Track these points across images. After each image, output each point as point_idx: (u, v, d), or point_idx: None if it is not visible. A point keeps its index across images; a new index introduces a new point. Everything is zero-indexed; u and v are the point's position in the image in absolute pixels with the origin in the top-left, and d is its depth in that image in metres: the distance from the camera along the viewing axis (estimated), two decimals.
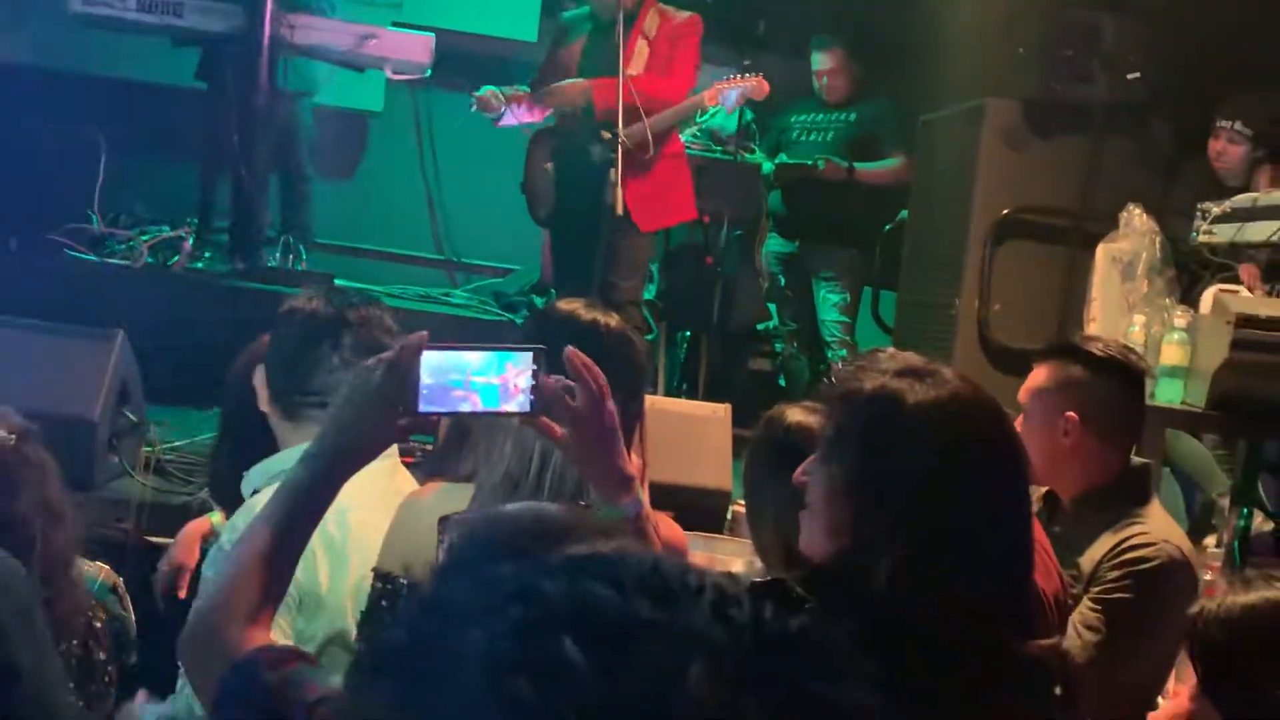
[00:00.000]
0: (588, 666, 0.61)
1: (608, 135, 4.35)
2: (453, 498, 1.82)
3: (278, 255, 5.61)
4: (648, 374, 1.96)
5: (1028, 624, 1.48)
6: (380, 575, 1.87)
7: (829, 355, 5.96)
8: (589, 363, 1.55)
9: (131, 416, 3.73)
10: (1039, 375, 2.65)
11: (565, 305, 1.93)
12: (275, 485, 1.60)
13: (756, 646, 0.64)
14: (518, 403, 1.54)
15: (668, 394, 5.84)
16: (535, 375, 1.53)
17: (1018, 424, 2.61)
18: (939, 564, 1.43)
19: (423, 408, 1.51)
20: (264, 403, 2.28)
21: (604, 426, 1.55)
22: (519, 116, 4.91)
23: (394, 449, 2.15)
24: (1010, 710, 1.43)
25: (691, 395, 5.65)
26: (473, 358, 1.53)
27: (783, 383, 6.24)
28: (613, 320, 1.90)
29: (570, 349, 1.56)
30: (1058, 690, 1.47)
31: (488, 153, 5.82)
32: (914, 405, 1.48)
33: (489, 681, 0.62)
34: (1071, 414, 2.56)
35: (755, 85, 4.79)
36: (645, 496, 2.03)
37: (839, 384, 1.61)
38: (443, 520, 1.48)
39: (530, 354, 1.53)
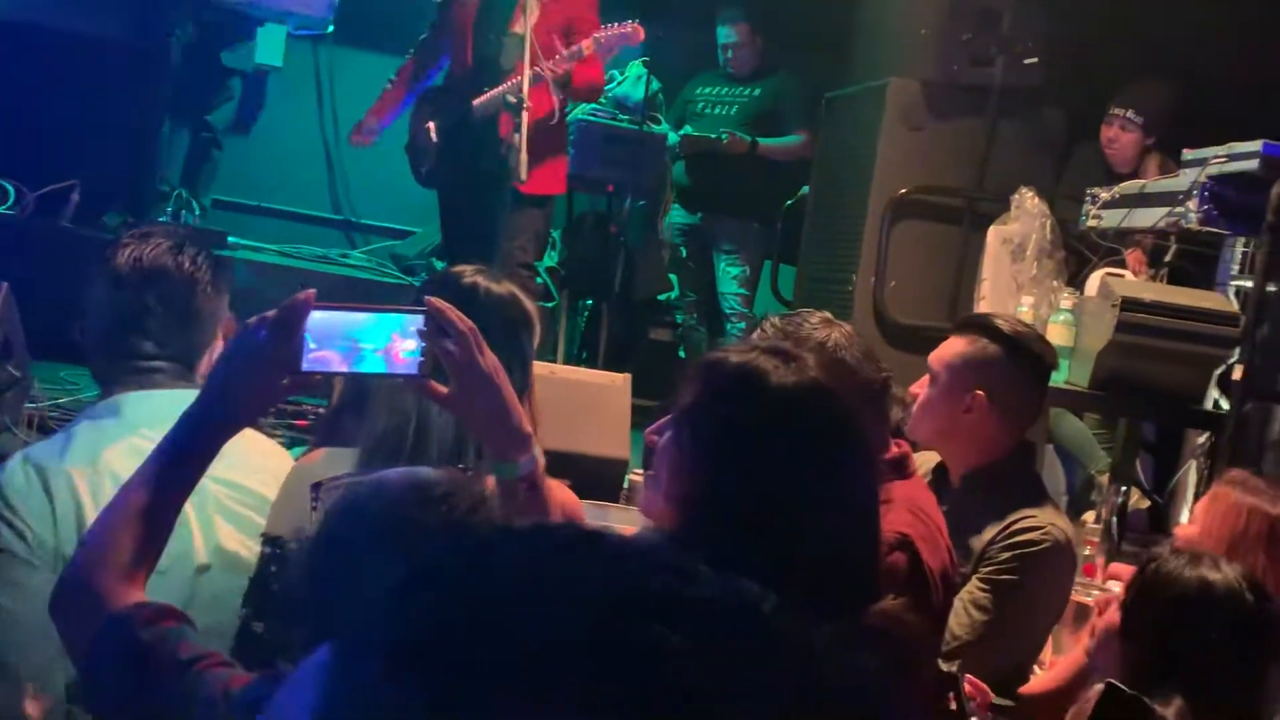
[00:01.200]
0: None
1: (514, 99, 4.31)
2: (340, 463, 1.81)
3: (169, 211, 5.49)
4: (532, 341, 1.95)
5: (870, 597, 1.49)
6: (269, 540, 1.85)
7: (728, 327, 6.02)
8: (451, 308, 1.53)
9: (14, 371, 3.63)
10: (954, 346, 2.67)
11: (454, 270, 1.93)
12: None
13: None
14: (404, 365, 1.52)
15: (568, 362, 5.85)
16: (423, 337, 1.52)
17: (921, 386, 2.65)
18: (778, 540, 1.43)
19: (306, 367, 1.49)
20: None
21: (483, 375, 1.53)
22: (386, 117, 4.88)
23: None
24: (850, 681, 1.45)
25: (592, 364, 5.66)
26: (360, 319, 1.51)
27: (683, 353, 6.29)
28: (500, 286, 1.90)
29: (431, 297, 1.54)
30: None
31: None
32: (775, 386, 1.49)
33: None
34: (980, 392, 2.60)
35: (631, 31, 4.76)
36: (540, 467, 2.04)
37: (708, 354, 1.62)
38: (315, 486, 1.47)
39: (419, 317, 1.52)
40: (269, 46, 6.60)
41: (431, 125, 4.76)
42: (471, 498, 1.35)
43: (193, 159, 5.98)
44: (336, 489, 1.45)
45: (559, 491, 1.98)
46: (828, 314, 2.22)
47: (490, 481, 1.59)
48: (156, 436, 1.56)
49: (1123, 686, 1.97)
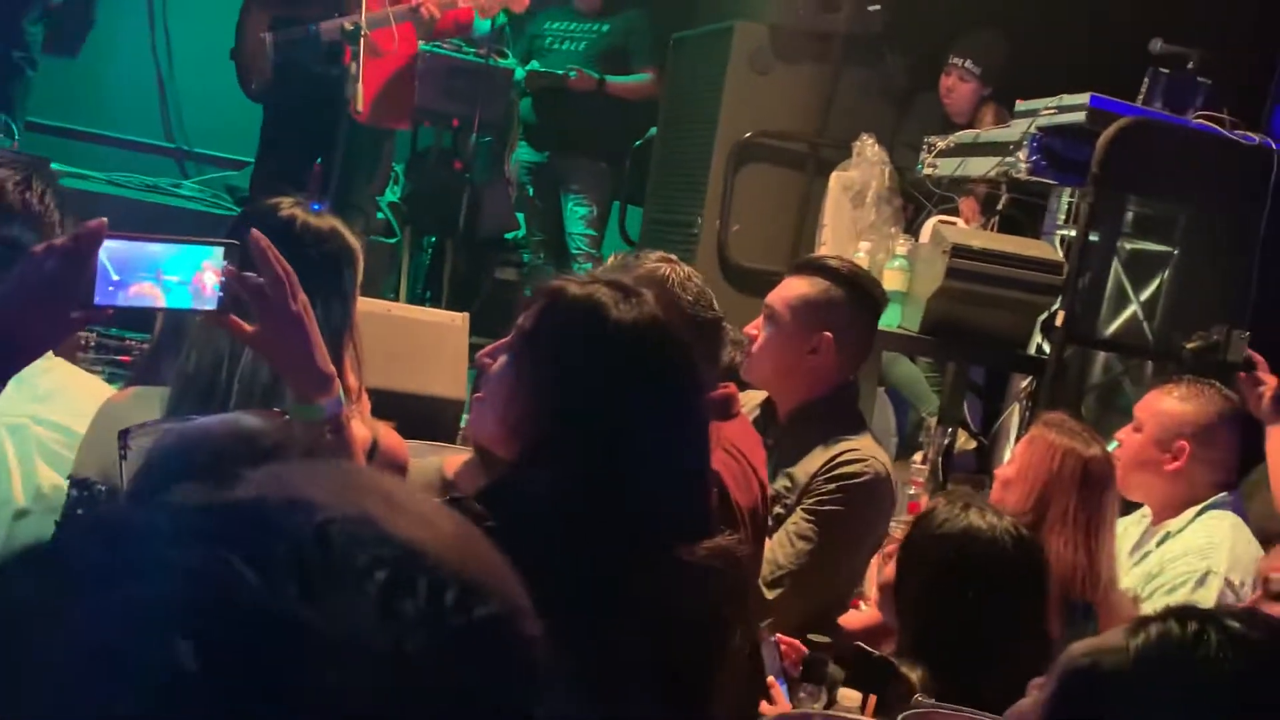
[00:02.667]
0: (203, 680, 0.47)
1: (350, 26, 4.18)
2: (149, 403, 1.74)
3: None
4: (354, 277, 1.90)
5: (701, 534, 1.54)
6: (76, 482, 1.78)
7: (575, 268, 5.99)
8: (270, 246, 1.49)
9: None
10: (796, 287, 2.70)
11: (272, 201, 1.86)
12: None
13: (425, 655, 0.51)
14: (206, 300, 1.47)
15: (411, 300, 5.75)
16: (226, 271, 1.47)
17: (756, 327, 2.68)
18: (613, 474, 1.47)
19: (99, 300, 1.42)
20: None
21: (291, 316, 1.49)
22: None
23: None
24: (679, 617, 1.48)
25: (435, 303, 5.58)
26: (160, 250, 1.45)
27: (528, 293, 6.23)
28: (320, 220, 1.84)
29: (255, 231, 1.49)
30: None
31: (226, 35, 5.51)
32: (614, 320, 1.52)
33: (83, 680, 0.49)
34: (828, 333, 2.65)
35: None
36: (365, 408, 2.00)
37: (550, 282, 1.63)
38: (123, 433, 1.40)
39: (222, 249, 1.47)
40: None
41: (268, 37, 4.59)
42: (301, 447, 1.31)
43: (3, 79, 5.65)
44: (146, 436, 1.38)
45: (385, 437, 1.95)
46: (667, 254, 2.25)
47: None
48: None
49: (870, 650, 2.05)
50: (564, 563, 1.33)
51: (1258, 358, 3.21)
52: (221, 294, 1.47)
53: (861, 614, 2.67)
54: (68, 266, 1.40)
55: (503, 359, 1.61)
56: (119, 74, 6.57)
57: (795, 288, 2.70)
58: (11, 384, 1.87)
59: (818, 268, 2.76)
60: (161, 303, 1.46)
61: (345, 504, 0.54)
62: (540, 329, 1.56)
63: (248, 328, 1.50)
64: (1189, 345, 3.76)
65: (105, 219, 1.41)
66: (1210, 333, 3.68)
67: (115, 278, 1.42)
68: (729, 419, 2.22)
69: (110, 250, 1.42)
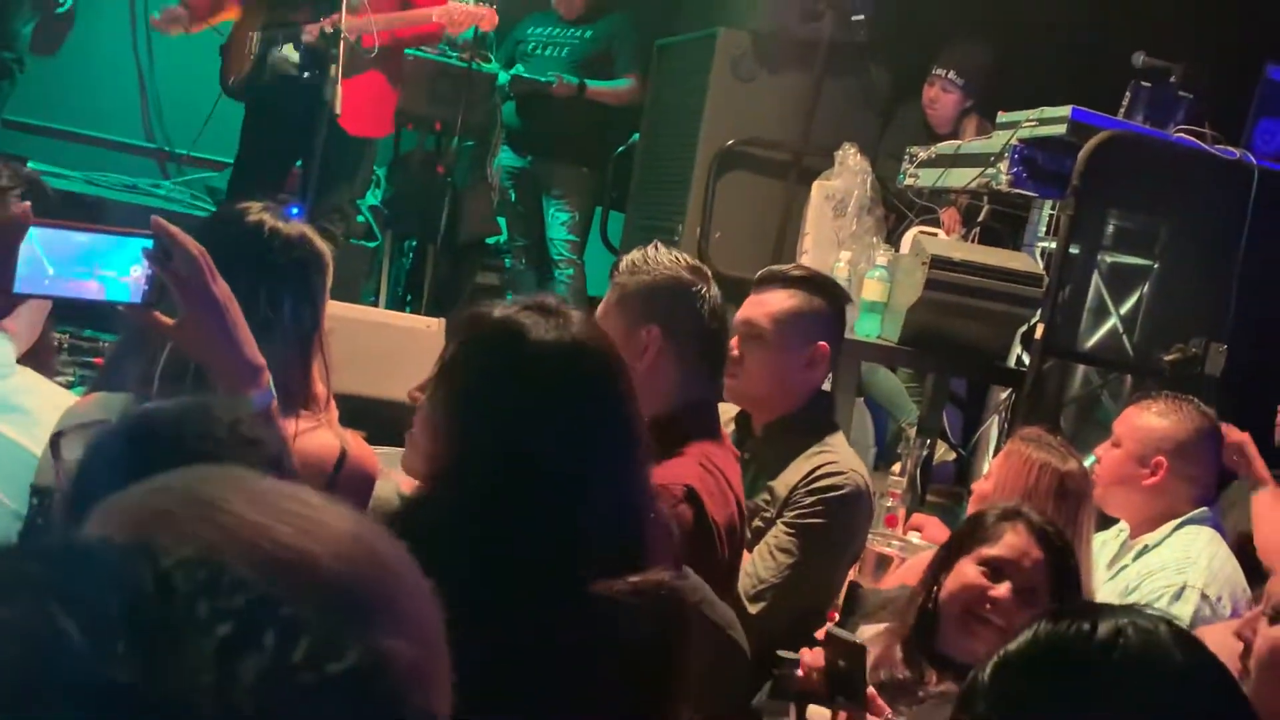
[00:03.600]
0: None
1: (330, 29, 4.16)
2: (112, 409, 1.71)
3: None
4: (324, 281, 1.87)
5: (629, 567, 1.46)
6: (35, 491, 1.75)
7: (556, 273, 5.98)
8: (178, 231, 1.44)
9: None
10: (778, 301, 2.66)
11: (240, 205, 1.83)
12: None
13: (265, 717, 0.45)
14: (129, 291, 1.44)
15: (391, 305, 5.73)
16: (149, 262, 1.43)
17: (734, 346, 2.65)
18: (529, 499, 1.41)
19: (18, 288, 1.40)
20: None
21: (209, 300, 1.44)
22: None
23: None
24: (583, 656, 1.41)
25: (416, 307, 5.55)
26: (88, 240, 1.41)
27: (510, 298, 6.20)
28: (288, 225, 1.81)
29: (155, 217, 1.45)
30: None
31: (208, 35, 5.48)
32: (533, 340, 1.47)
33: None
34: (823, 344, 2.64)
35: (487, 15, 4.71)
36: (333, 416, 1.97)
37: (470, 309, 1.59)
38: (56, 436, 1.37)
39: (149, 241, 1.43)
40: None
41: (255, 35, 4.57)
42: (276, 441, 1.29)
43: None
44: (80, 435, 1.35)
45: (355, 446, 1.92)
46: (690, 260, 2.30)
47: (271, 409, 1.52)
48: None
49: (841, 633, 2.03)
50: (457, 593, 1.30)
51: (1231, 433, 3.12)
52: (146, 287, 1.43)
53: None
54: None
55: (427, 391, 1.56)
56: (99, 73, 6.54)
57: (777, 302, 2.67)
58: None
59: (790, 279, 2.73)
60: (80, 293, 1.43)
61: (209, 536, 0.50)
62: (456, 356, 1.51)
63: (169, 320, 1.46)
64: (1168, 358, 3.76)
65: (28, 204, 1.38)
66: (1189, 345, 3.68)
67: (50, 269, 1.39)
68: (715, 438, 2.22)
69: (45, 240, 1.38)
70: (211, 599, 0.47)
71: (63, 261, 1.40)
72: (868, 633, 2.16)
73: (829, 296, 2.71)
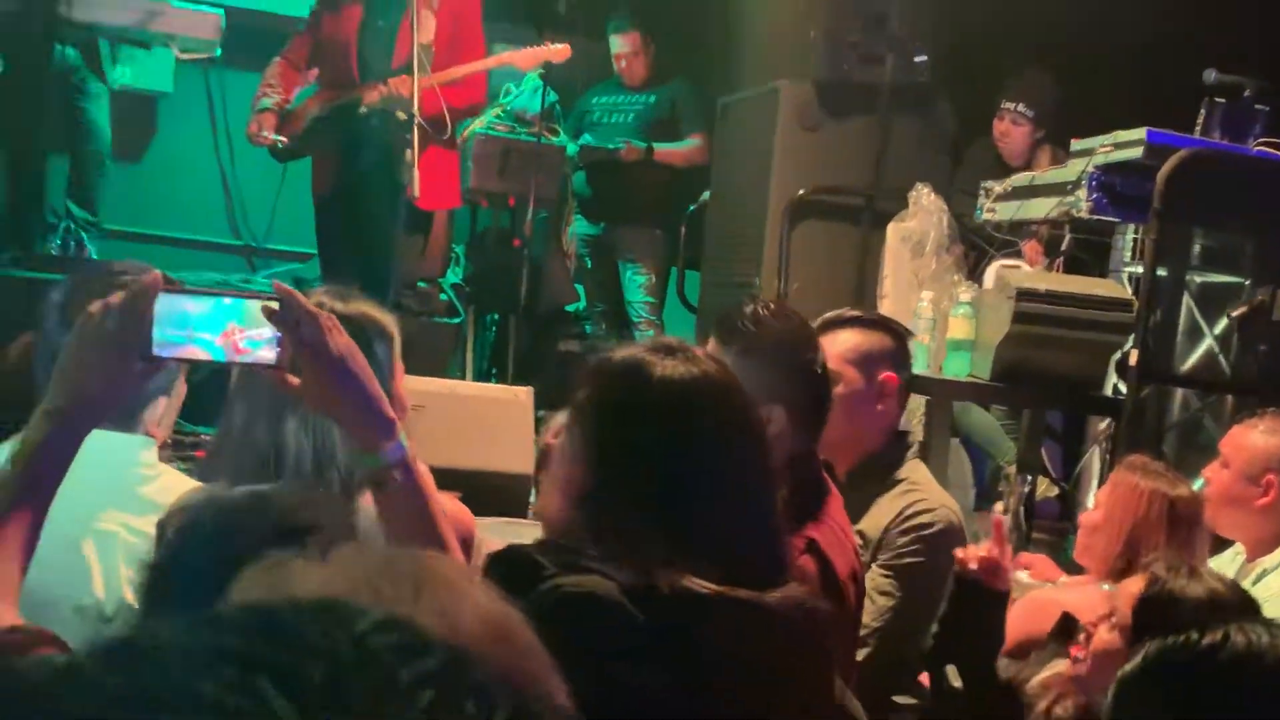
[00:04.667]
0: None
1: (404, 116, 4.26)
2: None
3: (59, 243, 5.34)
4: (390, 352, 1.91)
5: (776, 580, 1.53)
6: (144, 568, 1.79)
7: (636, 336, 6.00)
8: (294, 292, 1.47)
9: None
10: (843, 341, 2.65)
11: (313, 294, 1.87)
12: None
13: None
14: (261, 355, 1.46)
15: (477, 379, 5.80)
16: (276, 325, 1.45)
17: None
18: (669, 527, 1.46)
19: (157, 352, 1.43)
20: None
21: (335, 358, 1.46)
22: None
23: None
24: (751, 666, 1.46)
25: (501, 379, 5.61)
26: (214, 305, 1.45)
27: None
28: (347, 305, 1.84)
29: (277, 281, 1.50)
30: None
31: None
32: (659, 378, 1.52)
33: None
34: (890, 375, 2.62)
35: (558, 50, 4.80)
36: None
37: (597, 355, 1.65)
38: (161, 523, 1.39)
39: (273, 303, 1.45)
40: (157, 71, 6.47)
41: (315, 103, 4.71)
42: (337, 525, 1.30)
43: (80, 187, 5.82)
44: (181, 514, 1.38)
45: (451, 508, 1.94)
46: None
47: (367, 498, 1.56)
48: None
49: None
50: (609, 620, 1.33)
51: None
52: (278, 348, 1.46)
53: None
54: (124, 321, 1.41)
55: (561, 436, 1.63)
56: (183, 176, 6.74)
57: (840, 343, 2.65)
58: (115, 488, 1.90)
59: (846, 320, 2.72)
60: (214, 356, 1.46)
61: (383, 599, 0.50)
62: (587, 398, 1.58)
63: (297, 381, 1.49)
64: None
65: (160, 273, 1.43)
66: None
67: (170, 332, 1.43)
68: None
69: (174, 305, 1.43)
70: (408, 664, 0.47)
71: (192, 326, 1.44)
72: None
73: (889, 331, 2.71)
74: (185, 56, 5.58)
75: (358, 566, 0.53)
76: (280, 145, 4.78)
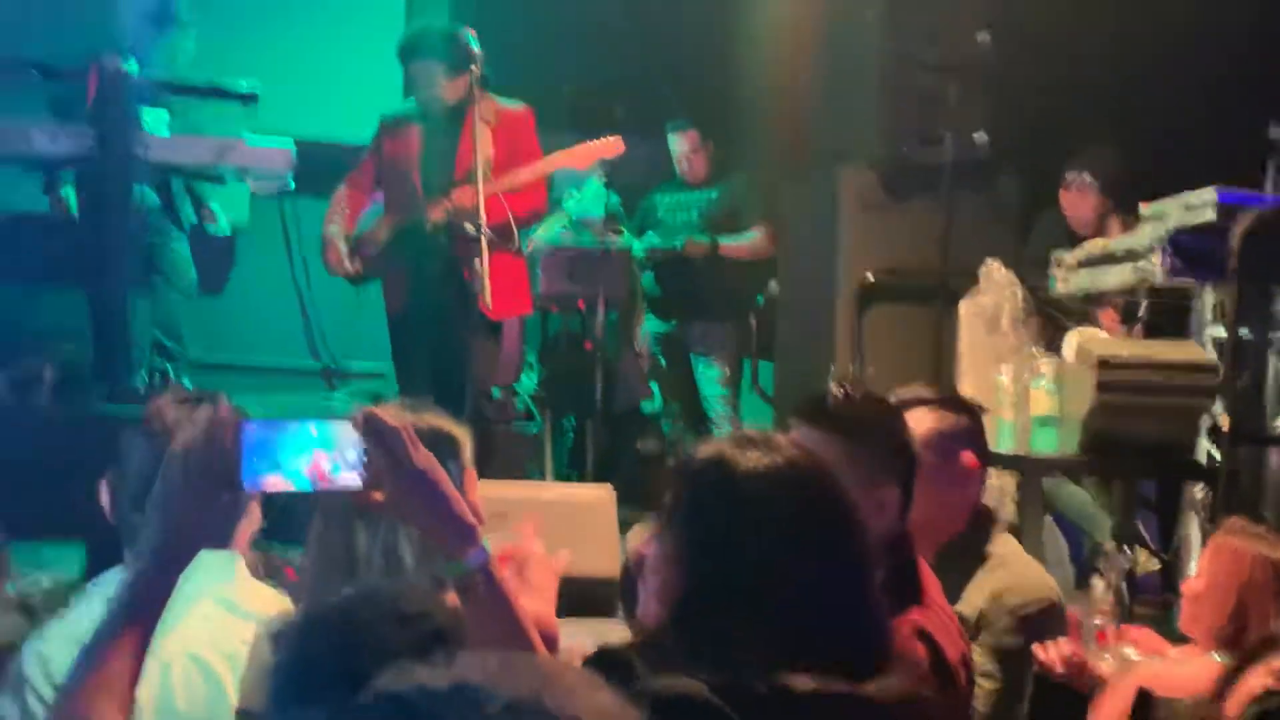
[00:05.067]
0: None
1: (471, 228, 4.34)
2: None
3: (147, 376, 5.48)
4: (459, 460, 1.93)
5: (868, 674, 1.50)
6: (243, 714, 1.79)
7: (714, 431, 5.99)
8: (378, 410, 1.51)
9: None
10: (919, 423, 2.63)
11: (386, 409, 1.92)
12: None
13: None
14: (347, 477, 1.49)
15: (558, 482, 5.81)
16: (359, 446, 1.49)
17: None
18: (768, 619, 1.45)
19: (245, 484, 1.46)
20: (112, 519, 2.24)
21: (417, 471, 1.49)
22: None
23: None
24: None
25: (581, 482, 5.61)
26: (297, 432, 1.48)
27: (672, 461, 6.25)
28: (417, 419, 1.88)
29: (358, 405, 1.54)
30: None
31: None
32: (745, 471, 1.52)
33: None
34: (969, 454, 2.59)
35: (610, 144, 4.88)
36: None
37: (681, 455, 1.65)
38: (260, 634, 1.42)
39: (353, 426, 1.50)
40: (233, 205, 6.66)
41: (384, 226, 4.83)
42: (444, 612, 1.34)
43: (165, 323, 5.99)
44: (288, 631, 1.40)
45: (532, 606, 1.94)
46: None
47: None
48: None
49: None
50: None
51: None
52: (362, 470, 1.49)
53: None
54: (210, 453, 1.46)
55: (654, 540, 1.63)
56: (263, 304, 6.90)
57: (920, 423, 2.60)
58: (207, 598, 1.94)
59: (919, 400, 2.68)
60: (302, 483, 1.49)
61: (511, 687, 0.52)
62: (674, 499, 1.57)
63: (380, 496, 1.52)
64: None
65: (239, 407, 1.46)
66: None
67: (258, 462, 1.46)
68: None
69: (251, 435, 1.46)
70: None
71: (279, 455, 1.47)
72: None
73: (963, 410, 2.68)
74: (259, 189, 5.74)
75: (479, 668, 0.54)
76: (357, 273, 4.91)
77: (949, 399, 2.73)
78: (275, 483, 1.48)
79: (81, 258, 5.15)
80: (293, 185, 5.63)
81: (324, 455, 1.49)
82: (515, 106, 4.87)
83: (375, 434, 1.48)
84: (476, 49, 4.44)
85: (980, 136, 5.10)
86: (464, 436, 1.97)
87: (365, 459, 1.49)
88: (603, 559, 3.45)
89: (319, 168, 6.22)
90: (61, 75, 4.97)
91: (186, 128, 5.63)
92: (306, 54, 6.96)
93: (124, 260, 5.24)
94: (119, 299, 5.24)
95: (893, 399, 2.66)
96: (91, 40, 5.25)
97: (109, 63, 4.87)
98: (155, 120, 5.53)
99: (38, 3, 6.27)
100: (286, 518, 2.28)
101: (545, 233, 5.85)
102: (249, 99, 5.25)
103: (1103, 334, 4.46)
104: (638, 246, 6.08)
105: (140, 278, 5.65)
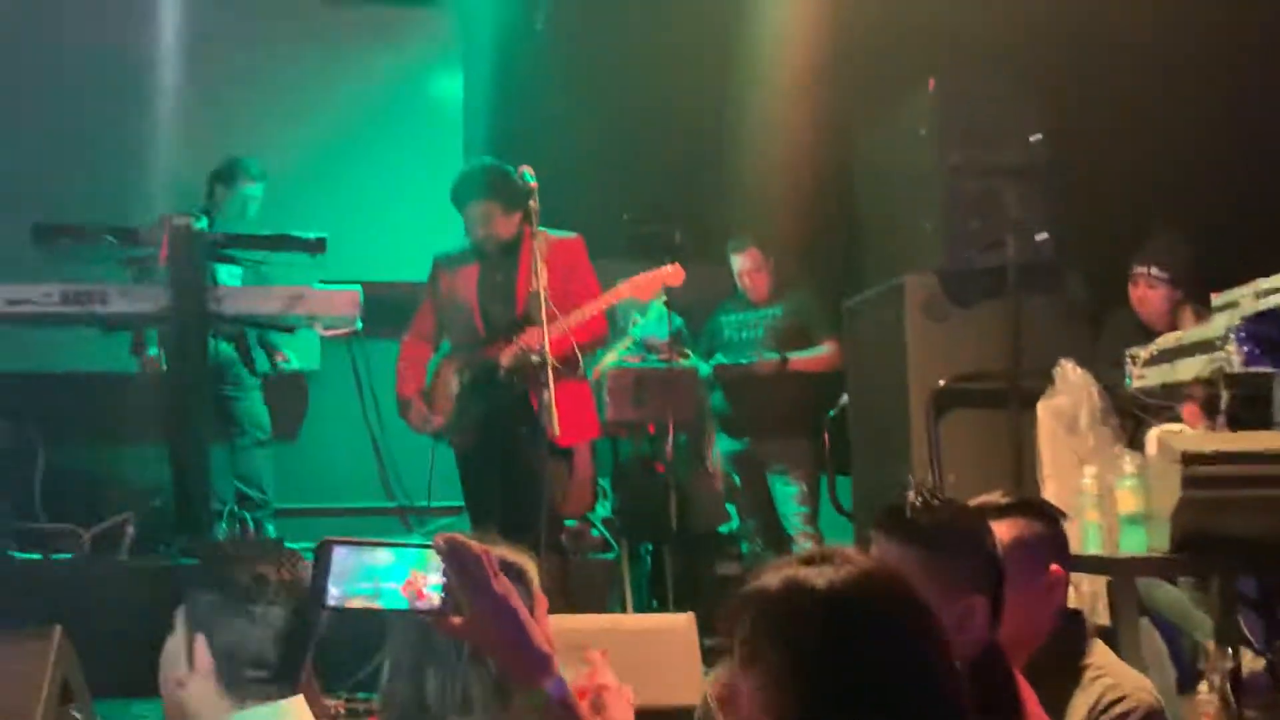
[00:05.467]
0: None
1: (536, 357, 4.37)
2: None
3: (225, 529, 5.54)
4: (529, 591, 1.93)
5: None
6: None
7: (795, 549, 5.90)
8: (459, 536, 1.52)
9: (77, 715, 3.58)
10: (1004, 534, 2.57)
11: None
12: None
13: None
14: (426, 601, 1.51)
15: (637, 611, 5.72)
16: (441, 571, 1.52)
17: None
18: None
19: (330, 603, 1.49)
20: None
21: (496, 598, 1.50)
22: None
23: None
24: None
25: (662, 609, 5.54)
26: (381, 556, 1.51)
27: None
28: (494, 551, 1.90)
29: (438, 535, 1.55)
30: None
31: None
32: (826, 589, 1.47)
33: None
34: (1056, 567, 2.52)
35: (672, 272, 4.92)
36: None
37: (747, 585, 1.59)
38: None
39: (432, 553, 1.52)
40: (304, 351, 6.80)
41: (454, 380, 4.86)
42: None
43: (246, 473, 6.08)
44: None
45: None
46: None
47: None
48: None
49: None
50: None
51: None
52: (443, 594, 1.51)
53: None
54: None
55: (737, 679, 1.57)
56: (337, 447, 6.97)
57: (1003, 532, 2.55)
58: None
59: (1001, 509, 2.60)
60: (383, 605, 1.51)
61: None
62: (758, 631, 1.51)
63: (458, 621, 1.53)
64: None
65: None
66: None
67: (351, 584, 1.50)
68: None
69: (344, 557, 1.50)
70: None
71: (346, 576, 1.50)
72: None
73: (1046, 517, 2.60)
74: (329, 333, 5.85)
75: None
76: (439, 428, 4.97)
77: (1027, 504, 2.66)
78: (357, 601, 1.51)
79: (162, 413, 5.25)
80: (360, 326, 5.73)
81: (423, 576, 1.52)
82: (566, 236, 4.95)
83: (457, 559, 1.50)
84: (531, 183, 4.52)
85: (1042, 237, 5.07)
86: (533, 566, 1.98)
87: (446, 583, 1.51)
88: (685, 688, 3.38)
89: (386, 308, 6.35)
90: (135, 236, 5.12)
91: (257, 279, 5.79)
92: (369, 198, 7.15)
93: (202, 414, 5.34)
94: (198, 453, 5.32)
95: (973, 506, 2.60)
96: (162, 200, 5.44)
97: (179, 221, 5.02)
98: (227, 274, 5.70)
99: (108, 170, 6.54)
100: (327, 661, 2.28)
101: (611, 357, 5.88)
102: (316, 247, 5.37)
103: (1185, 428, 4.35)
104: (705, 367, 6.09)
105: (218, 431, 5.76)
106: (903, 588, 1.54)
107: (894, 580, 1.54)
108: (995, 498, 2.68)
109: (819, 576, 1.48)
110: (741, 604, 1.55)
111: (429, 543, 1.54)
